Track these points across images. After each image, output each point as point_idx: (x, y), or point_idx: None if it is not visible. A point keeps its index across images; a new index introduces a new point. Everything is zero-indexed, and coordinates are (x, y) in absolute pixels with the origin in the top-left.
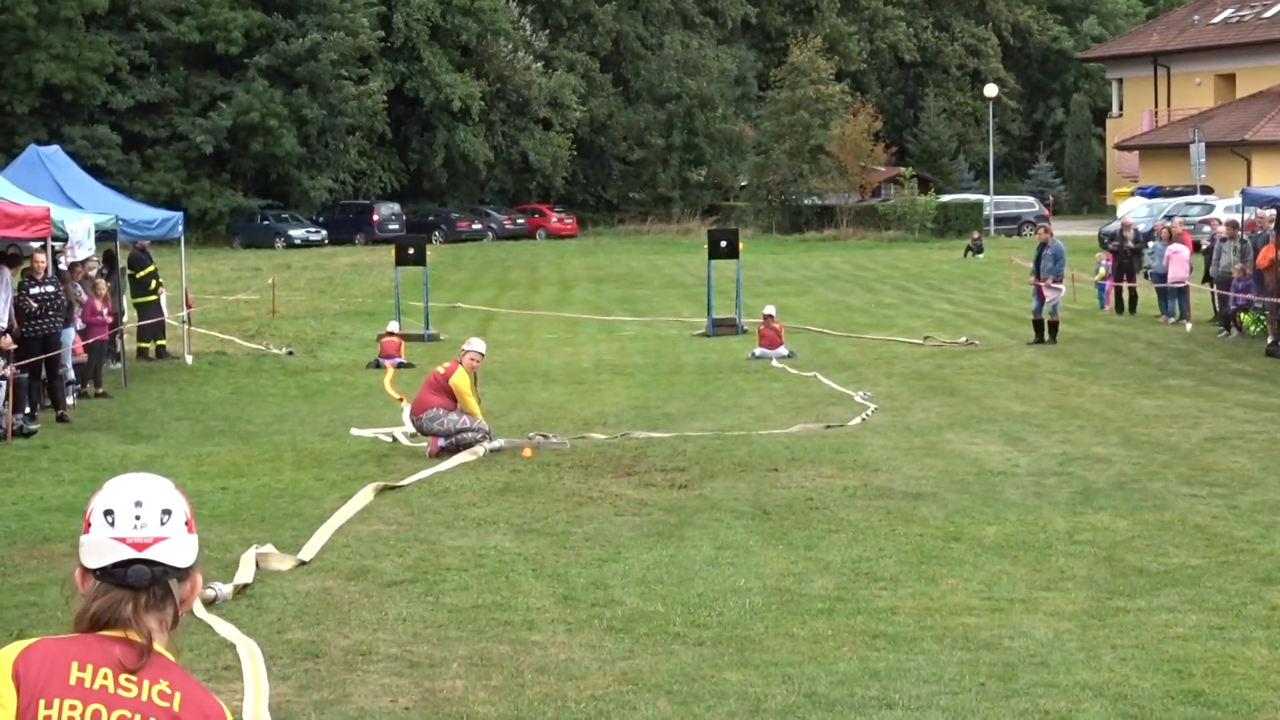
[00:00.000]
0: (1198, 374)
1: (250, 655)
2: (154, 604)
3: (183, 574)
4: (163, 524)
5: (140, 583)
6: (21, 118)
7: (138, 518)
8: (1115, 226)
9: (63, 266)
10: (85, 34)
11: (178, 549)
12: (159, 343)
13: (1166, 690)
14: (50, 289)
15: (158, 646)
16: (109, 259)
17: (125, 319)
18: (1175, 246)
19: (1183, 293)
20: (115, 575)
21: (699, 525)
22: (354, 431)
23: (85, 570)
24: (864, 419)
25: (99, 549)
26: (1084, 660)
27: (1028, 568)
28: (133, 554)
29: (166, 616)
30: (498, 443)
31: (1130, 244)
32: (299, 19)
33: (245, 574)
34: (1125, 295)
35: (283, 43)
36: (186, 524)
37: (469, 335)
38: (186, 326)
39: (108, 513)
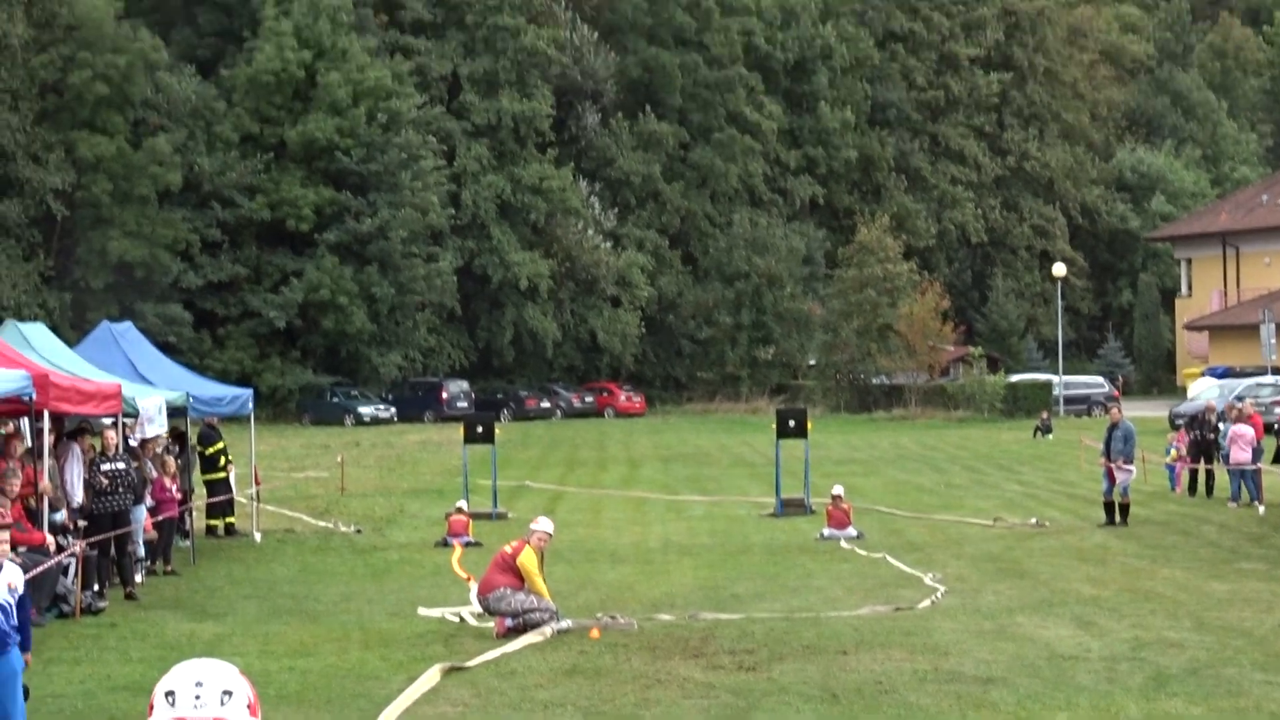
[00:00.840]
0: (1271, 557)
1: None
2: None
3: None
4: (223, 704)
5: None
6: (95, 294)
7: (198, 697)
8: (1187, 407)
9: (133, 443)
10: (159, 211)
11: None
12: (227, 520)
13: None
14: (121, 465)
15: None
16: (179, 436)
17: (194, 496)
18: (1238, 428)
19: (1254, 475)
20: None
21: (767, 709)
22: (421, 611)
23: None
24: (934, 601)
25: None
26: None
27: None
28: None
29: None
30: (565, 623)
31: (1212, 427)
32: (369, 196)
33: None
34: (1202, 477)
35: (353, 220)
36: (249, 707)
37: (537, 514)
38: (255, 504)
39: (169, 694)
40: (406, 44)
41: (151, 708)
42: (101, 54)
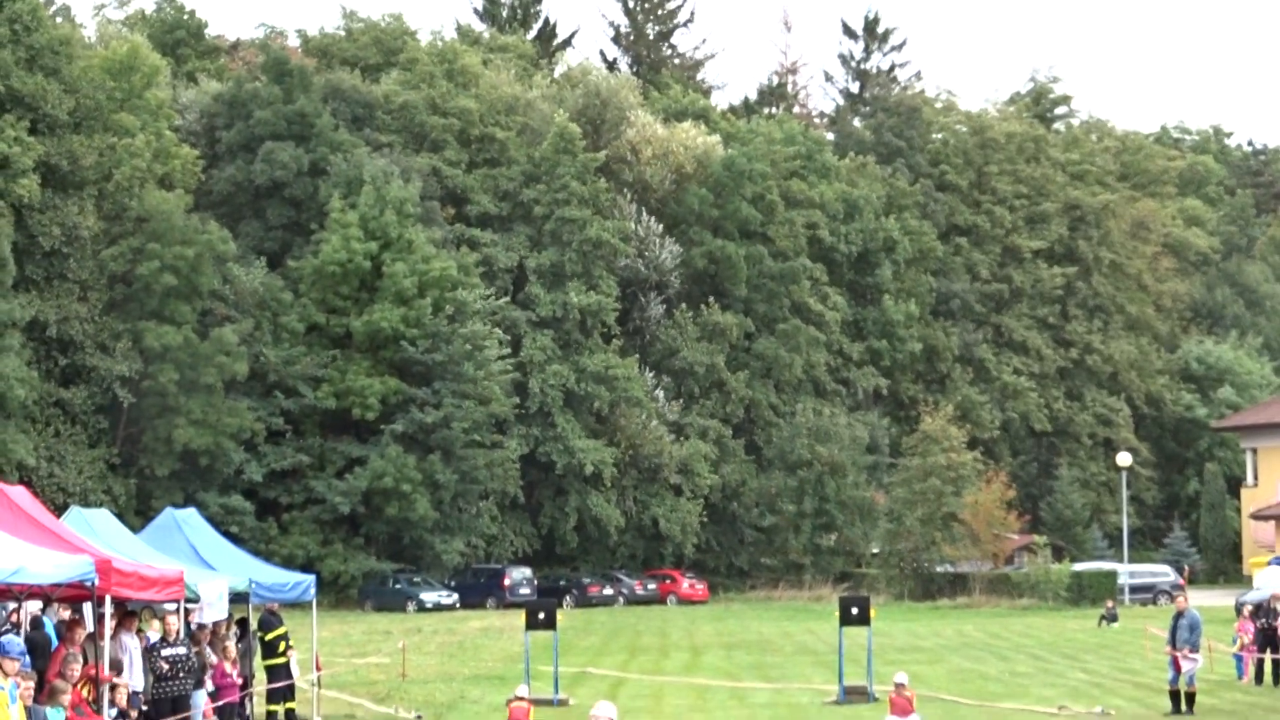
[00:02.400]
0: None
1: None
2: None
3: None
4: None
5: None
6: (159, 481)
7: None
8: (1253, 596)
9: (194, 629)
10: (224, 400)
11: None
12: (288, 705)
13: None
14: (182, 650)
15: None
16: (240, 622)
17: (255, 681)
18: None
19: None
20: None
21: None
22: None
23: None
24: None
25: None
26: None
27: None
28: None
29: None
30: None
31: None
32: (434, 385)
33: None
34: (1269, 666)
35: (418, 411)
36: None
37: (599, 700)
38: (316, 689)
39: None
40: (473, 236)
41: None
42: (170, 246)
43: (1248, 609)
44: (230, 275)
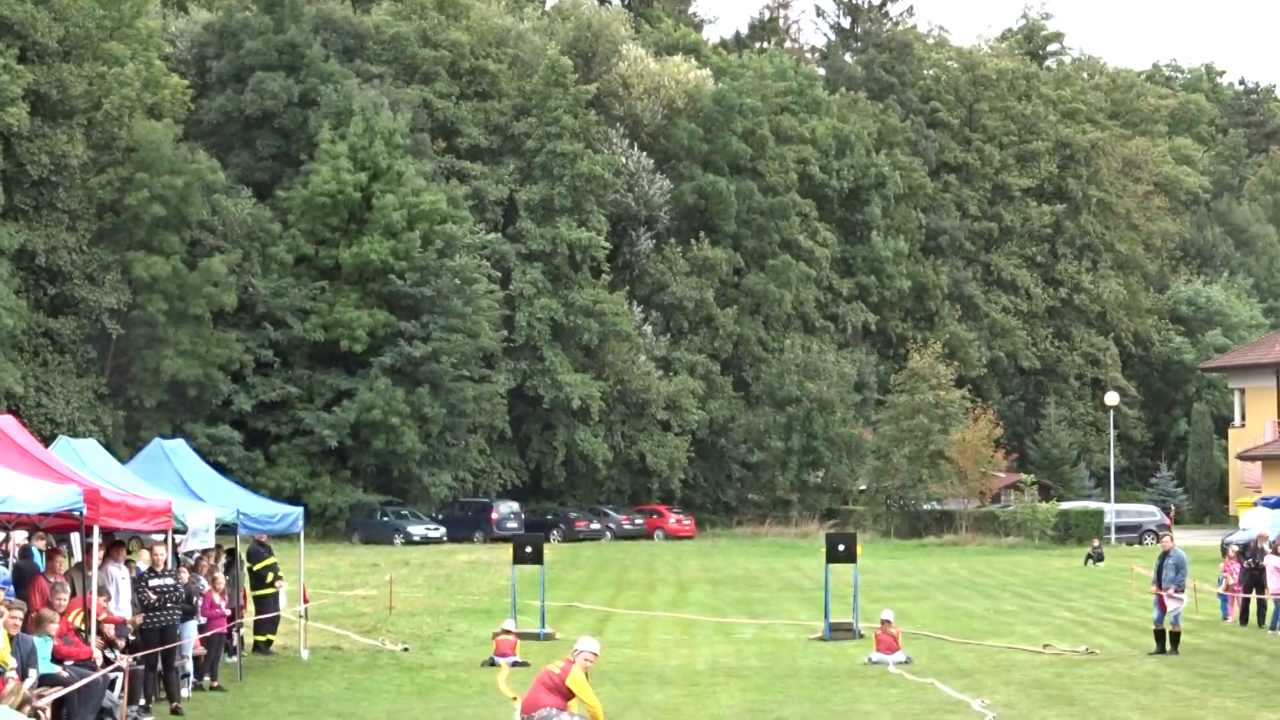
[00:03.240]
0: None
1: None
2: None
3: None
4: None
5: None
6: (148, 411)
7: None
8: (1239, 537)
9: (185, 558)
10: (213, 331)
11: None
12: (268, 637)
13: None
14: (170, 581)
15: None
16: (228, 553)
17: (245, 613)
18: (1274, 559)
19: None
20: None
21: None
22: None
23: None
24: None
25: None
26: None
27: None
28: None
29: None
30: None
31: (1263, 556)
32: (423, 319)
33: None
34: (1254, 607)
35: (406, 344)
36: None
37: (585, 634)
38: (303, 621)
39: None
40: (463, 169)
41: None
42: (159, 176)
43: (1233, 549)
44: (219, 206)
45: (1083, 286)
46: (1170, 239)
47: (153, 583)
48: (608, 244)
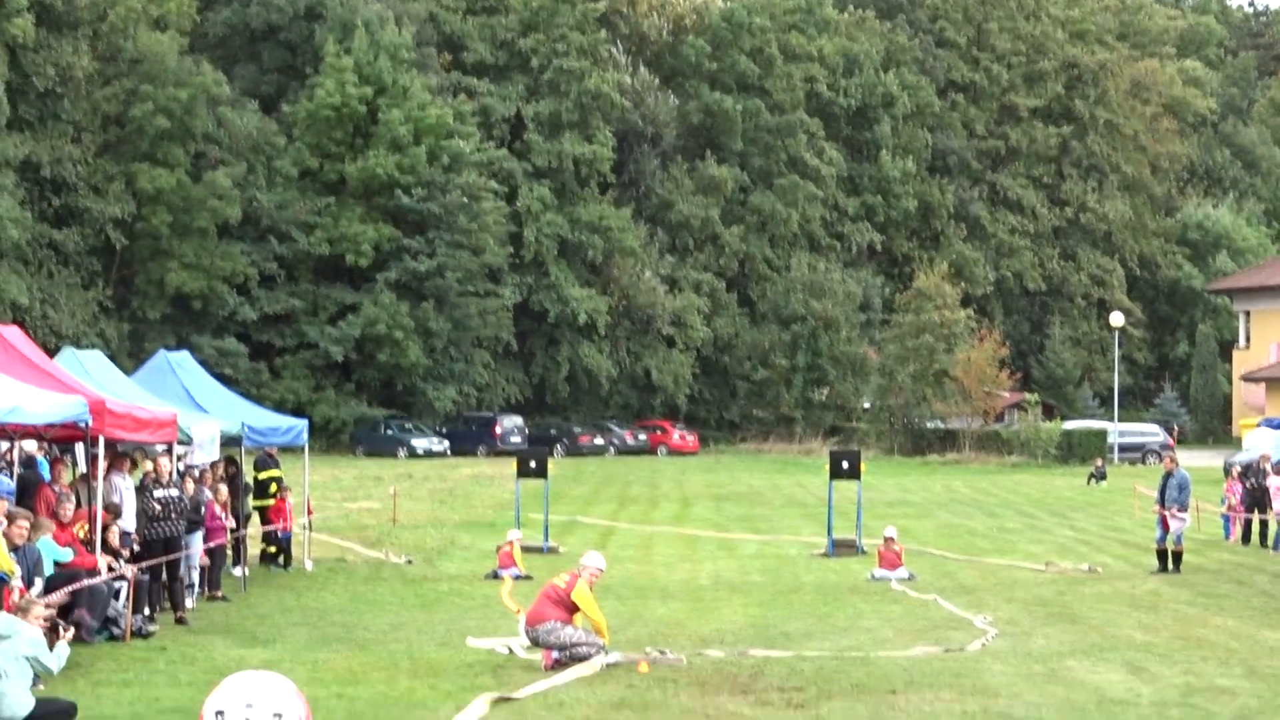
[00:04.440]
0: None
1: None
2: None
3: None
4: None
5: None
6: (152, 324)
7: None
8: (1242, 457)
9: (194, 470)
10: (217, 244)
11: None
12: (272, 549)
13: None
14: (175, 493)
15: None
16: (232, 464)
17: (249, 524)
18: (1276, 480)
19: None
20: None
21: None
22: (470, 642)
23: None
24: (984, 644)
25: None
26: None
27: None
28: None
29: None
30: (614, 657)
31: (1266, 476)
32: (428, 235)
33: None
34: (1256, 527)
35: (411, 259)
36: None
37: (588, 549)
38: (307, 533)
39: (219, 713)
40: (469, 85)
41: None
42: (164, 88)
43: (1236, 470)
44: (224, 119)
45: (1089, 207)
46: (1178, 161)
47: (157, 494)
48: (613, 157)
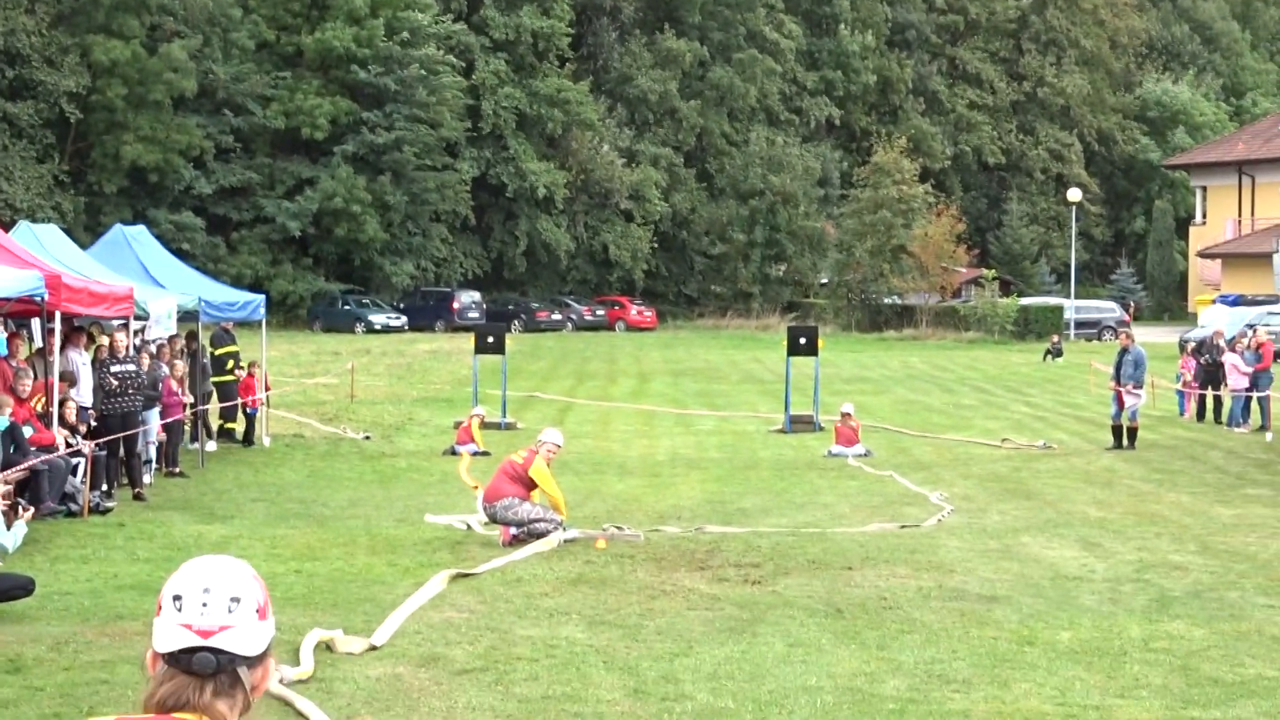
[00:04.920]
0: (1277, 484)
1: None
2: (223, 690)
3: (253, 661)
4: (230, 611)
5: (205, 670)
6: (108, 198)
7: (204, 605)
8: (1197, 333)
9: (150, 345)
10: (173, 117)
11: (245, 637)
12: (229, 425)
13: None
14: (131, 368)
15: None
16: (194, 339)
17: (210, 400)
18: (1231, 357)
19: (1262, 401)
20: (181, 661)
21: (771, 622)
22: (429, 518)
23: (156, 653)
24: (940, 520)
25: (166, 634)
26: None
27: (1102, 674)
28: (198, 641)
29: (237, 702)
30: (571, 533)
31: (1220, 353)
32: (386, 109)
33: (306, 662)
34: (1210, 403)
35: (369, 132)
36: (258, 611)
37: (546, 424)
38: (264, 409)
39: (176, 598)
40: None
41: (160, 607)
42: None
43: (1191, 346)
44: None
45: (1047, 81)
46: (1136, 36)
47: (114, 369)
48: (571, 30)
